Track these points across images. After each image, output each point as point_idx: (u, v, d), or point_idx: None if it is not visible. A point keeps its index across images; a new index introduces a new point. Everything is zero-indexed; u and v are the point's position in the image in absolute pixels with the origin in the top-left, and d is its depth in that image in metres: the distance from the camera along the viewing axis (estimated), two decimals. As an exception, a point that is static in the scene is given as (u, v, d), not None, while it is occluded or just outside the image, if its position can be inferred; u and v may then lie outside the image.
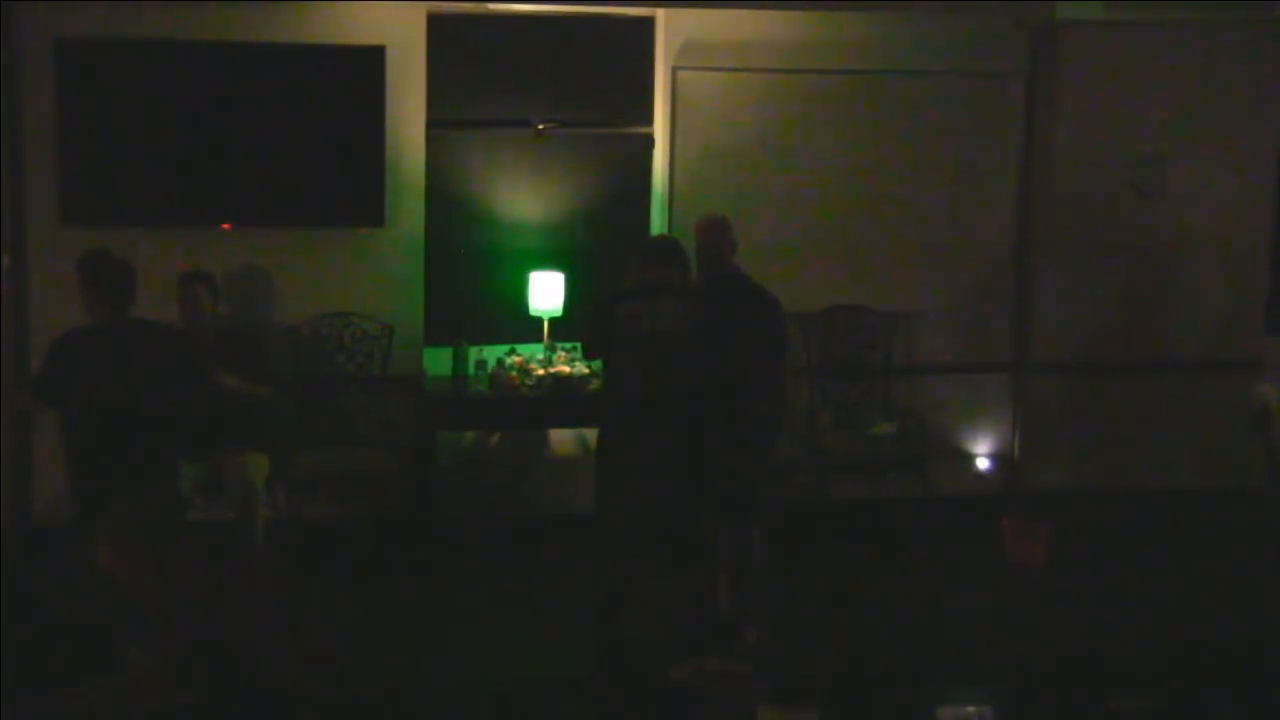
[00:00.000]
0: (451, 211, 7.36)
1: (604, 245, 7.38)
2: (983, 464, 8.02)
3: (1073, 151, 7.84)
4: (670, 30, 7.43)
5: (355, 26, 7.13)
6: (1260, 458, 7.26)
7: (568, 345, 7.25)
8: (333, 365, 7.30)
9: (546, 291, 7.25)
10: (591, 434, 6.89)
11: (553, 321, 7.29)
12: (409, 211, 7.30)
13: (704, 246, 6.27)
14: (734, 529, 6.17)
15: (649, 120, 7.50)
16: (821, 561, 7.02)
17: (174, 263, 6.90)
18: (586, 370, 7.12)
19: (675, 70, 7.44)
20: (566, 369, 7.15)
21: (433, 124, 7.30)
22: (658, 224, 7.50)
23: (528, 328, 7.33)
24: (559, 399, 7.10)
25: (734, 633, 5.92)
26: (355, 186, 7.20)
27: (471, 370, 7.20)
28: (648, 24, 7.43)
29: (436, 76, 7.26)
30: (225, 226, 7.13)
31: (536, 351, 7.31)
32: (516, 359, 7.24)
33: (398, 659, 5.95)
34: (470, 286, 7.43)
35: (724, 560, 6.18)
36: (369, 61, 7.10)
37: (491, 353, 7.28)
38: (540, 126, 7.34)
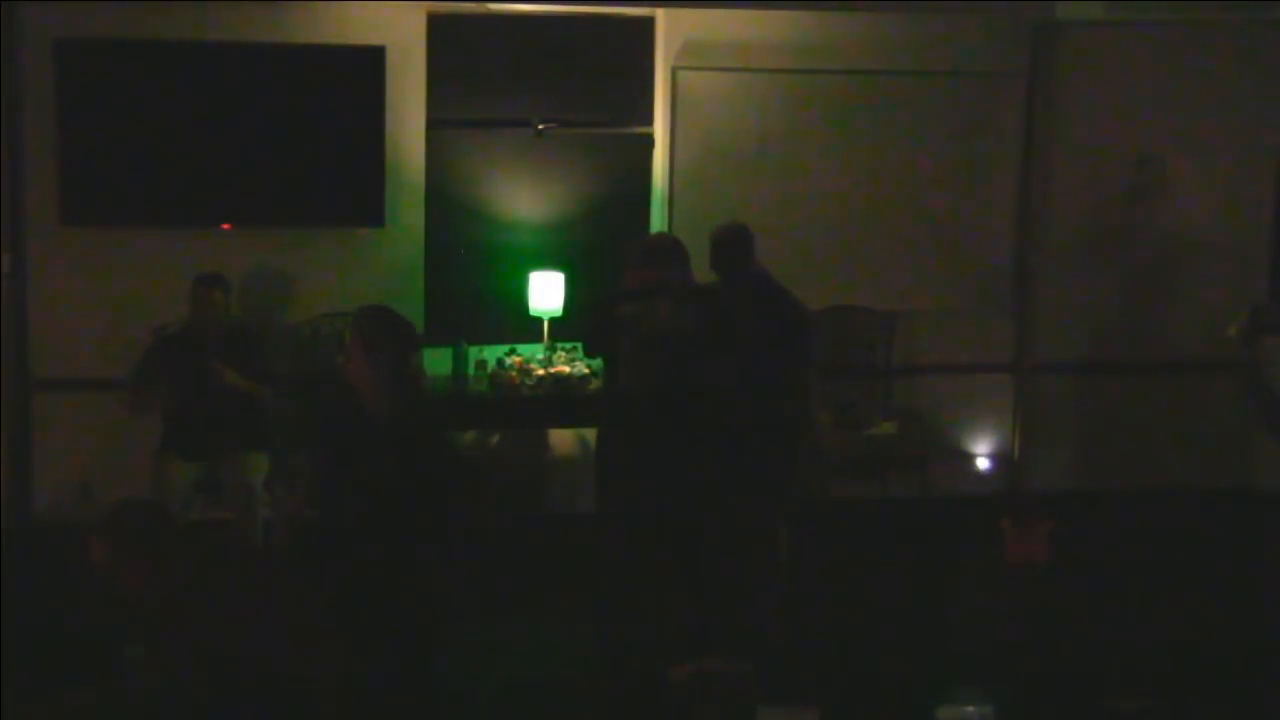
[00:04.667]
0: (451, 211, 7.36)
1: (604, 245, 7.37)
2: (983, 464, 8.02)
3: (1073, 151, 7.84)
4: (670, 30, 7.43)
5: (355, 26, 7.13)
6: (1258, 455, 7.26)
7: (568, 345, 7.25)
8: (333, 365, 7.29)
9: (546, 291, 7.25)
10: (591, 434, 6.89)
11: (553, 321, 7.29)
12: (409, 211, 7.30)
13: (725, 257, 6.20)
14: (755, 529, 6.16)
15: (649, 120, 7.50)
16: (821, 561, 7.02)
17: (174, 263, 6.90)
18: (586, 370, 7.12)
19: (675, 70, 7.44)
20: (566, 369, 7.15)
21: (433, 124, 7.30)
22: (658, 224, 7.50)
23: (528, 328, 7.33)
24: (559, 399, 7.10)
25: (737, 633, 5.91)
26: (355, 186, 7.20)
27: (471, 370, 7.20)
28: (648, 24, 7.43)
29: (436, 76, 7.26)
30: (225, 226, 7.13)
31: (536, 351, 7.31)
32: (516, 359, 7.24)
33: (397, 659, 5.93)
34: (470, 286, 7.43)
35: (738, 560, 6.17)
36: (369, 61, 7.10)
37: (491, 353, 7.28)
38: (540, 126, 7.34)
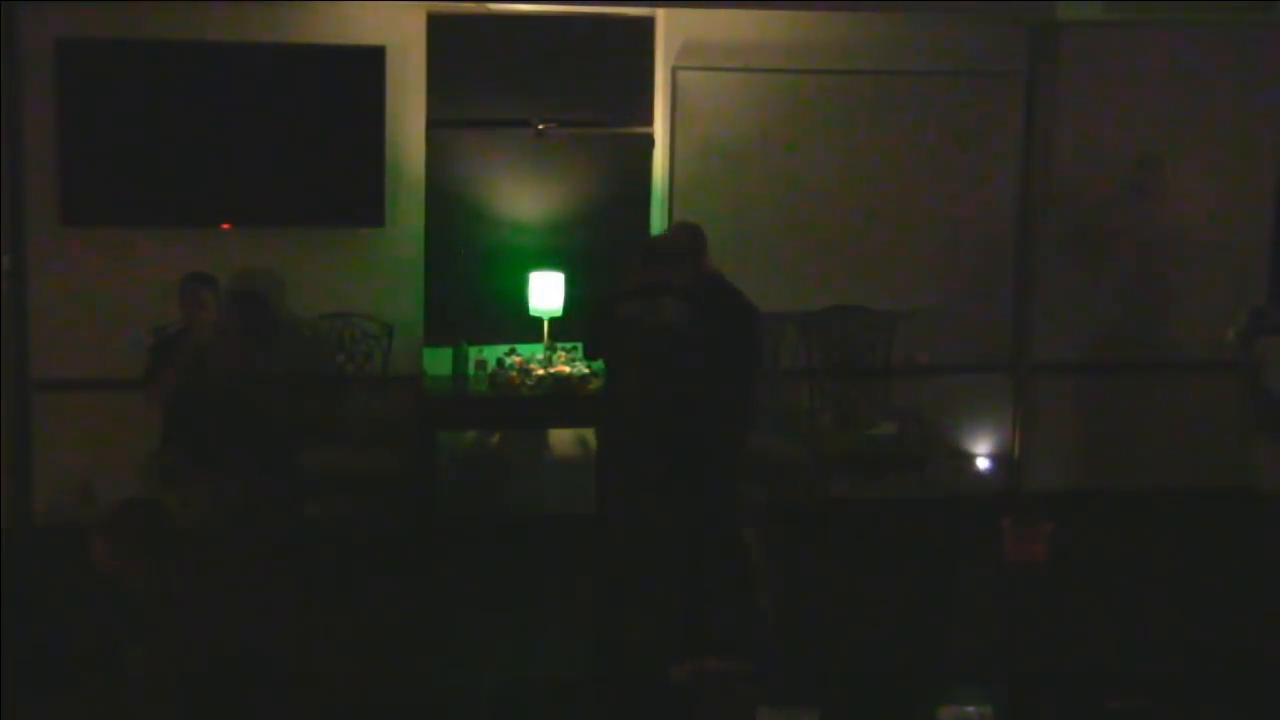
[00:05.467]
0: (451, 211, 7.36)
1: (604, 245, 7.38)
2: (983, 464, 8.02)
3: (1073, 151, 7.84)
4: (670, 30, 7.43)
5: (355, 26, 7.13)
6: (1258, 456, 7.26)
7: (568, 345, 7.25)
8: (333, 365, 7.30)
9: (546, 291, 7.25)
10: (591, 434, 6.89)
11: (553, 321, 7.29)
12: (409, 211, 7.30)
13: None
14: (717, 532, 6.15)
15: (649, 120, 7.50)
16: (821, 561, 7.02)
17: (174, 263, 6.90)
18: (586, 370, 7.12)
19: (675, 70, 7.44)
20: (566, 369, 7.15)
21: (433, 124, 7.30)
22: (658, 224, 7.50)
23: (528, 328, 7.33)
24: (559, 399, 7.10)
25: (735, 633, 5.92)
26: (355, 186, 7.20)
27: (471, 370, 7.20)
28: (648, 24, 7.43)
29: (436, 76, 7.26)
30: (225, 226, 7.13)
31: (536, 351, 7.31)
32: (516, 359, 7.25)
33: (397, 659, 5.95)
34: (470, 286, 7.43)
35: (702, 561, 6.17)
36: (369, 61, 7.10)
37: (491, 353, 7.28)
38: (540, 126, 7.34)
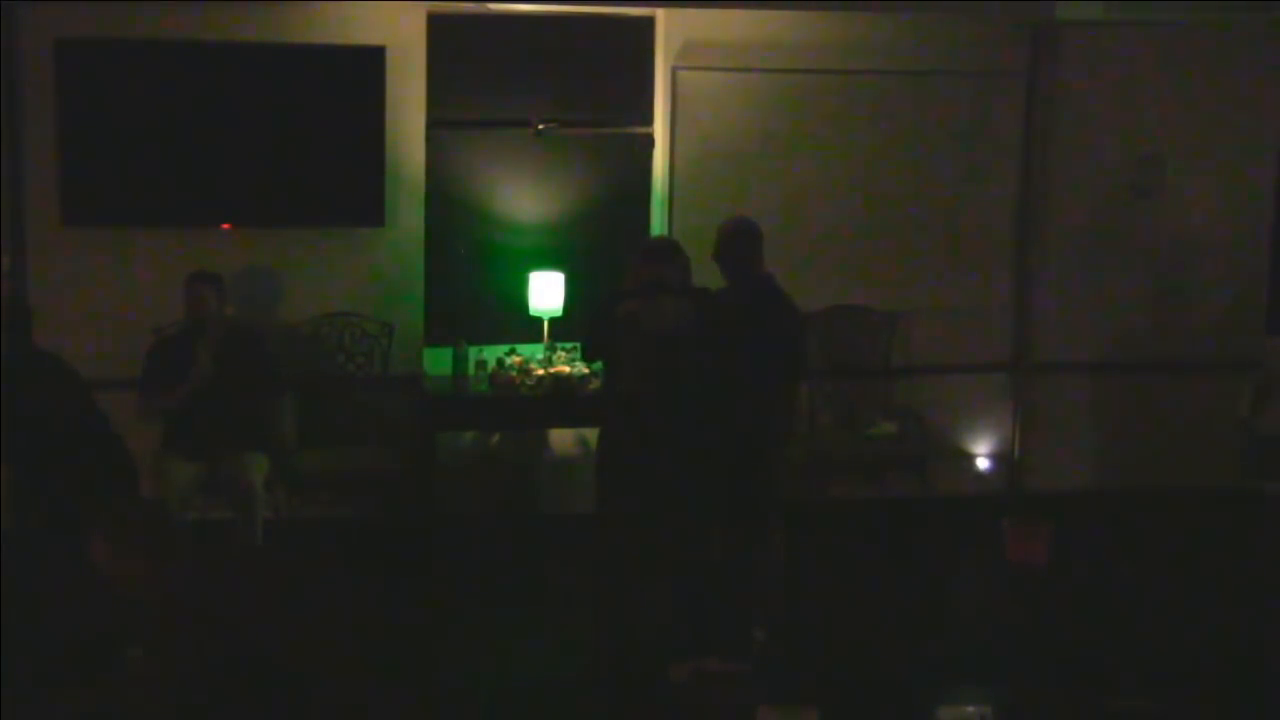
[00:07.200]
0: (451, 211, 7.37)
1: (604, 245, 7.38)
2: (983, 464, 8.02)
3: (1073, 152, 7.84)
4: (670, 30, 7.43)
5: (355, 26, 7.13)
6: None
7: (568, 345, 7.25)
8: (333, 365, 7.30)
9: (546, 291, 7.25)
10: (591, 434, 6.89)
11: (553, 321, 7.29)
12: (409, 211, 7.30)
13: (729, 253, 6.12)
14: (744, 532, 6.14)
15: (649, 120, 7.50)
16: (821, 561, 7.02)
17: (174, 263, 6.90)
18: (586, 370, 7.12)
19: (675, 70, 7.44)
20: (566, 369, 7.15)
21: (433, 124, 7.30)
22: (658, 224, 7.50)
23: (528, 328, 7.33)
24: (559, 399, 7.10)
25: (735, 633, 5.91)
26: (355, 186, 7.20)
27: (471, 370, 7.20)
28: (648, 24, 7.43)
29: (436, 76, 7.26)
30: (225, 226, 7.13)
31: (536, 351, 7.31)
32: (516, 359, 7.25)
33: (397, 659, 5.94)
34: (470, 286, 7.44)
35: (728, 562, 6.16)
36: (369, 61, 7.10)
37: (491, 353, 7.28)
38: (540, 126, 7.34)
